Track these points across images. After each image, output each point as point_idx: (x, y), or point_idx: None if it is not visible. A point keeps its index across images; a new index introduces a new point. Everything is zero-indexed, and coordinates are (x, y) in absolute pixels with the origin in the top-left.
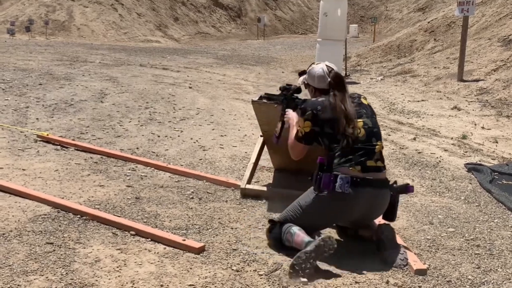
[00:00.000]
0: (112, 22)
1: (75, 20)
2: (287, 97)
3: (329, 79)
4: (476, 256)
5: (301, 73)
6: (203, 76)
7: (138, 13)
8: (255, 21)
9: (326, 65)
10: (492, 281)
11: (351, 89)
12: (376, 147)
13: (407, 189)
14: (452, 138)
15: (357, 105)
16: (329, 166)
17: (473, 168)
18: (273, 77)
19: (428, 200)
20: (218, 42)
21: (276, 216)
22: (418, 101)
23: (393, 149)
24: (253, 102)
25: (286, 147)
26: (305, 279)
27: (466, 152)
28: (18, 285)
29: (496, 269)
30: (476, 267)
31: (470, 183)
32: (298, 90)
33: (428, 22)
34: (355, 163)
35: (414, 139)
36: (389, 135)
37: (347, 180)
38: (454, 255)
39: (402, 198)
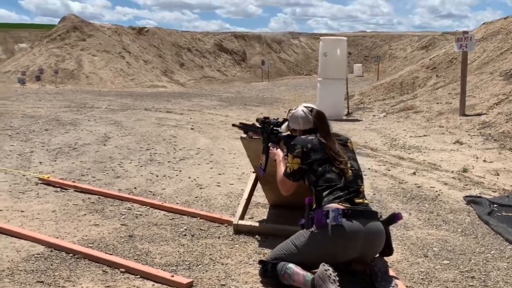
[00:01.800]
0: (120, 69)
1: (84, 68)
2: (267, 130)
3: (311, 118)
4: (469, 287)
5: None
6: (205, 117)
7: (145, 60)
8: (260, 64)
9: (304, 106)
10: None
11: (353, 126)
12: (361, 187)
13: (395, 217)
14: (452, 172)
15: (343, 146)
16: (318, 204)
17: (472, 200)
18: (275, 116)
19: (424, 233)
20: (223, 85)
21: (267, 256)
22: (420, 136)
23: (391, 183)
24: (241, 138)
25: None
26: None
27: (466, 185)
28: None
29: None
30: None
31: (469, 216)
32: (279, 124)
33: (430, 59)
34: (344, 199)
35: (414, 173)
36: (389, 170)
37: (339, 212)
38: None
39: (398, 231)
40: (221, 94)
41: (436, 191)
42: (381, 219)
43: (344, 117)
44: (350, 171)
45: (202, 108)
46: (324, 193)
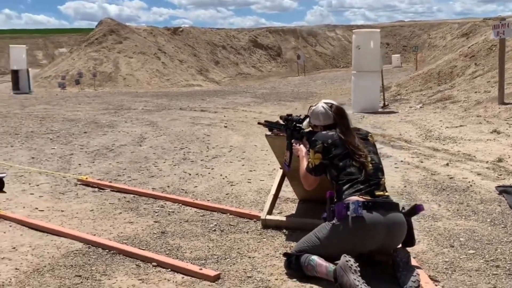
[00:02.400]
0: (156, 70)
1: (121, 70)
2: (290, 127)
3: (331, 113)
4: (493, 276)
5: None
6: (239, 115)
7: (180, 59)
8: (295, 59)
9: (324, 102)
10: None
11: (388, 118)
12: (382, 180)
13: (416, 209)
14: (487, 162)
15: (363, 140)
16: (339, 197)
17: (504, 190)
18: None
19: (452, 224)
20: (258, 81)
21: (292, 248)
22: (456, 126)
23: (423, 175)
24: (266, 136)
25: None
26: None
27: (500, 175)
28: None
29: None
30: (492, 286)
31: (499, 206)
32: (301, 120)
33: (469, 47)
34: (364, 192)
35: (447, 164)
36: (422, 162)
37: (359, 204)
38: (471, 276)
39: (426, 222)
40: (256, 91)
41: (468, 182)
42: (403, 211)
43: (380, 109)
44: (370, 165)
45: (236, 106)
46: (345, 187)
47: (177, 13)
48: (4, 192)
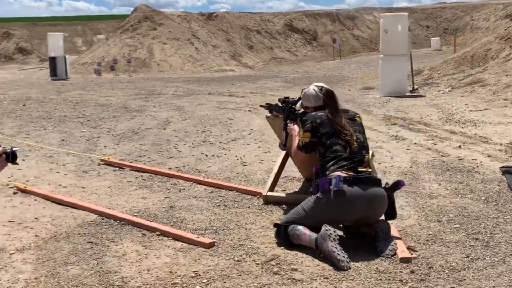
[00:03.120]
0: (189, 55)
1: (155, 56)
2: (286, 108)
3: (321, 96)
4: (470, 247)
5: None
6: (266, 99)
7: (213, 45)
8: (331, 43)
9: (315, 85)
10: (474, 268)
11: (413, 102)
12: (365, 157)
13: (398, 184)
14: (501, 144)
15: (350, 120)
16: (324, 173)
17: (507, 170)
18: (337, 95)
19: (447, 201)
20: (292, 65)
21: (282, 220)
22: (480, 110)
23: (433, 157)
24: (267, 117)
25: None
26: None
27: (510, 156)
28: (58, 272)
29: (484, 258)
30: (465, 256)
31: (498, 185)
32: (295, 102)
33: (505, 30)
34: (347, 168)
35: (459, 147)
36: (435, 144)
37: (340, 179)
38: (448, 247)
39: (422, 200)
40: (287, 75)
41: (476, 163)
42: (386, 186)
43: (408, 93)
44: (355, 143)
45: (264, 90)
46: (330, 163)
47: None
48: (17, 163)
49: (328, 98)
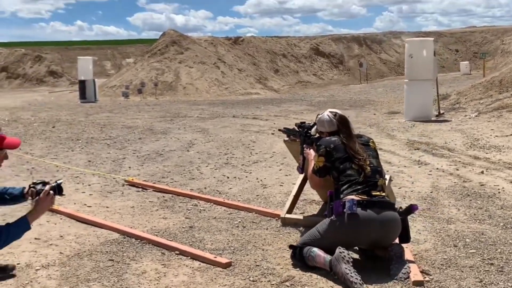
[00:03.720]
0: (215, 79)
1: (181, 80)
2: (302, 133)
3: (335, 121)
4: (484, 272)
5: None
6: (289, 122)
7: (239, 68)
8: (358, 66)
9: (329, 111)
10: None
11: (438, 127)
12: (379, 181)
13: (411, 208)
14: None
15: (364, 145)
16: (338, 196)
17: None
18: (361, 119)
19: (464, 226)
20: (318, 89)
21: (297, 241)
22: (507, 135)
23: (454, 182)
24: (284, 141)
25: (326, 182)
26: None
27: None
28: None
29: (498, 283)
30: (479, 281)
31: None
32: (310, 127)
33: None
34: (361, 192)
35: (482, 172)
36: (457, 169)
37: (353, 202)
38: (463, 272)
39: (439, 225)
40: (313, 99)
41: (498, 189)
42: (400, 210)
43: (433, 118)
44: (368, 168)
45: (288, 113)
46: (344, 187)
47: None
48: (64, 195)
49: (342, 124)
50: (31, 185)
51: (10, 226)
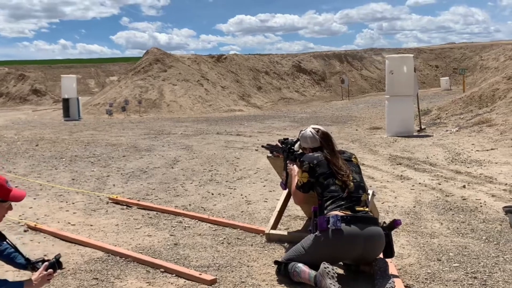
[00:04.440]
0: (198, 96)
1: (165, 97)
2: (285, 149)
3: (318, 137)
4: (468, 286)
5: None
6: (272, 138)
7: (222, 86)
8: (340, 83)
9: (312, 127)
10: None
11: (419, 142)
12: (362, 196)
13: (395, 223)
14: (506, 184)
15: (347, 161)
16: (322, 212)
17: (509, 210)
18: (344, 135)
19: (447, 240)
20: (300, 105)
21: (282, 257)
22: (487, 150)
23: (437, 197)
24: (268, 157)
25: (310, 198)
26: None
27: None
28: None
29: None
30: None
31: (500, 225)
32: (294, 143)
33: None
34: (345, 207)
35: (464, 186)
36: (439, 184)
37: (337, 218)
38: (447, 286)
39: (423, 239)
40: (295, 115)
41: (480, 203)
42: (384, 225)
43: (415, 133)
44: (351, 183)
45: (271, 130)
46: (328, 202)
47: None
48: (63, 268)
49: (324, 140)
50: (31, 265)
51: (8, 282)
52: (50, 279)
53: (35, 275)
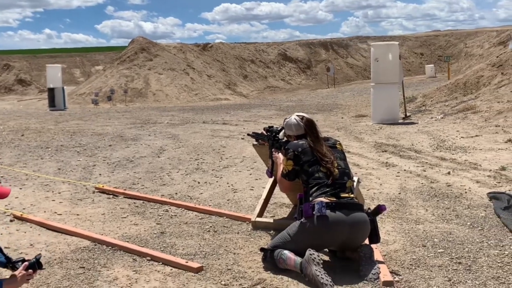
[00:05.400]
0: (184, 85)
1: (151, 86)
2: (270, 137)
3: (302, 125)
4: (453, 271)
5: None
6: (259, 127)
7: (208, 74)
8: (325, 71)
9: (296, 115)
10: None
11: (405, 129)
12: (347, 182)
13: (379, 209)
14: (490, 171)
15: (331, 148)
16: (307, 199)
17: (493, 196)
18: (329, 123)
19: (432, 226)
20: (286, 94)
21: (268, 244)
22: (472, 136)
23: (422, 183)
24: (254, 145)
25: (296, 185)
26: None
27: (499, 183)
28: None
29: (466, 281)
30: (447, 280)
31: (485, 211)
32: (278, 131)
33: (497, 57)
34: (330, 194)
35: (449, 173)
36: (425, 171)
37: (322, 205)
38: (431, 271)
39: (408, 225)
40: (281, 103)
41: (464, 189)
42: (368, 211)
43: (400, 121)
44: (336, 170)
45: (258, 119)
46: (313, 189)
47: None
48: (44, 268)
49: (309, 127)
50: (10, 264)
51: None
52: (29, 279)
53: (14, 274)
